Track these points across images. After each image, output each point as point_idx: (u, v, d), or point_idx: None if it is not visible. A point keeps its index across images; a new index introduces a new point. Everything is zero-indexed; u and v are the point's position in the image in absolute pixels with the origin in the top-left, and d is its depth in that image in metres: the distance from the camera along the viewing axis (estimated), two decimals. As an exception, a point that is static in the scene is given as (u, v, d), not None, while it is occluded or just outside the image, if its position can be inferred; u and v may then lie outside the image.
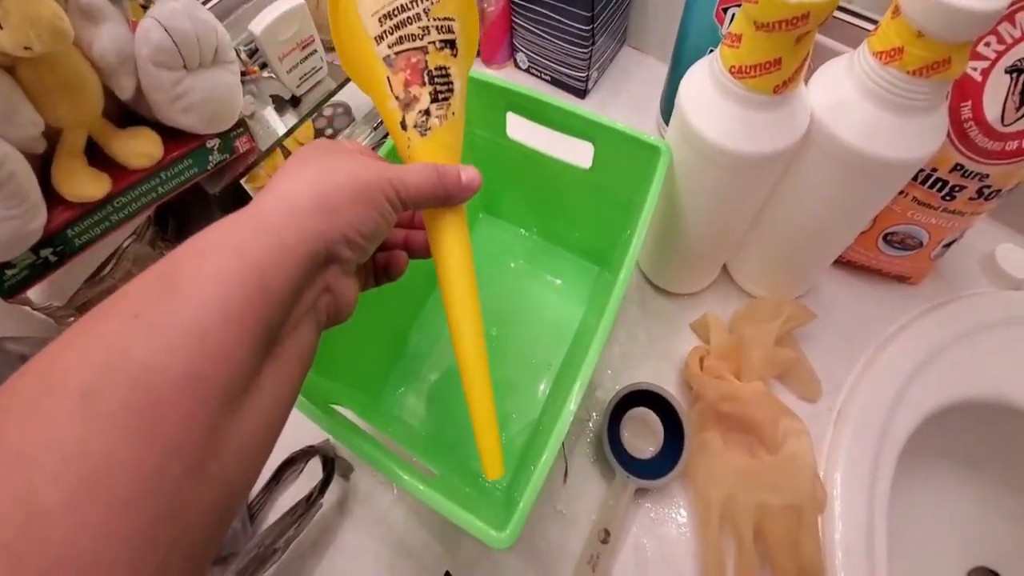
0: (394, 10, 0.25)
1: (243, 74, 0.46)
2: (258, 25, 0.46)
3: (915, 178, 0.39)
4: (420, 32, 0.25)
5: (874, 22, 0.42)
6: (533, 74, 0.64)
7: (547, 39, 0.58)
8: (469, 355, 0.26)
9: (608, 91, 0.62)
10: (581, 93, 0.61)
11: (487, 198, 0.52)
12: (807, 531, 0.36)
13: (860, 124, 0.31)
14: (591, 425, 0.43)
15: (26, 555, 0.13)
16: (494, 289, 0.49)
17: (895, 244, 0.44)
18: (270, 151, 0.49)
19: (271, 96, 0.51)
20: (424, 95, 0.26)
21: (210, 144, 0.43)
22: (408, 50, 0.25)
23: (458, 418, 0.43)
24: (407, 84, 0.26)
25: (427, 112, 0.26)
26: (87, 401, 0.14)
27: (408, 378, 0.46)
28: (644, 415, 0.43)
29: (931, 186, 0.39)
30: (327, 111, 0.57)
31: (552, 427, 0.27)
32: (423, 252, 0.28)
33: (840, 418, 0.41)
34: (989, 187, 0.37)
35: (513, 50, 0.63)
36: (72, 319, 0.43)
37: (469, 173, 0.26)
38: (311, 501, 0.38)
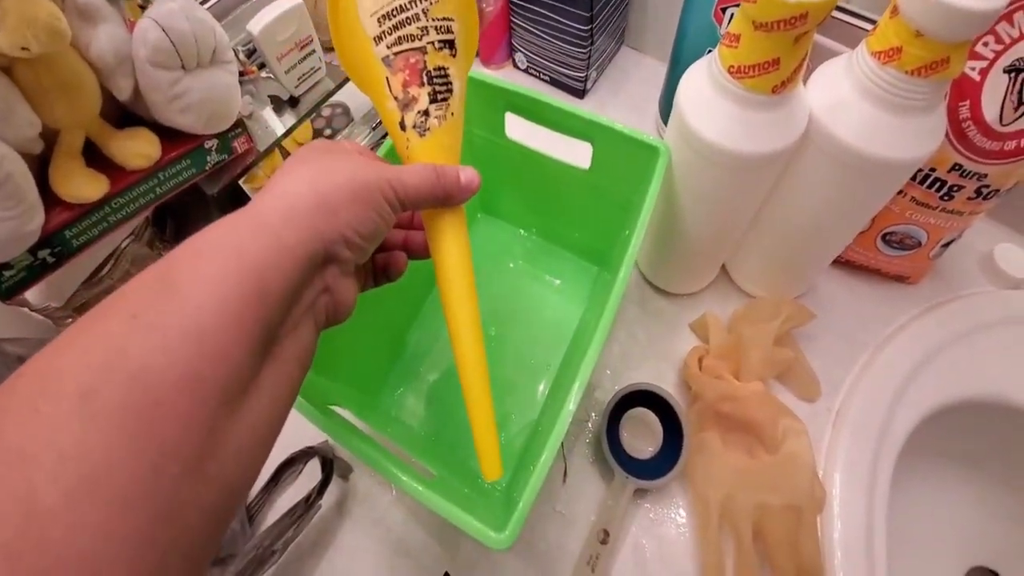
0: (393, 10, 0.25)
1: (241, 74, 0.46)
2: (256, 25, 0.46)
3: (914, 178, 0.39)
4: (419, 32, 0.25)
5: (873, 22, 0.42)
6: (532, 74, 0.64)
7: (546, 39, 0.58)
8: (468, 356, 0.26)
9: (607, 91, 0.62)
10: (580, 93, 0.61)
11: (486, 198, 0.52)
12: (806, 531, 0.36)
13: (858, 124, 0.31)
14: (590, 425, 0.43)
15: (25, 554, 0.13)
16: (493, 289, 0.49)
17: (894, 244, 0.44)
18: (268, 151, 0.49)
19: (269, 96, 0.51)
20: (423, 95, 0.26)
21: (208, 145, 0.43)
22: (407, 50, 0.25)
23: (457, 418, 0.43)
24: (406, 84, 0.26)
25: (426, 113, 0.26)
26: (85, 401, 0.14)
27: (407, 378, 0.46)
28: (643, 415, 0.43)
29: (930, 186, 0.39)
30: (325, 111, 0.57)
31: (551, 427, 0.27)
32: (422, 252, 0.28)
33: (839, 418, 0.41)
34: (987, 187, 0.38)
35: (512, 50, 0.63)
36: (70, 320, 0.43)
37: (468, 174, 0.26)
38: (310, 502, 0.38)
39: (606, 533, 0.37)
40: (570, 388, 0.28)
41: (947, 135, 0.35)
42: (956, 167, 0.37)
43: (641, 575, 0.37)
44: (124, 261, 0.44)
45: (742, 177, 0.35)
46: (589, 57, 0.57)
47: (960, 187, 0.38)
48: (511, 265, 0.51)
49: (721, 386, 0.40)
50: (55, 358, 0.16)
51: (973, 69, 0.33)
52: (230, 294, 0.17)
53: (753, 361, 0.40)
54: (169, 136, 0.41)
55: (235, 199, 0.48)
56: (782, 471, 0.37)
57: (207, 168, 0.44)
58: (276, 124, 0.50)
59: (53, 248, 0.38)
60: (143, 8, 0.39)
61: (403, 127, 0.26)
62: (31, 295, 0.40)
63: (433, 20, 0.26)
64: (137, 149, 0.40)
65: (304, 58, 0.50)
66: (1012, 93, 0.33)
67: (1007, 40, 0.32)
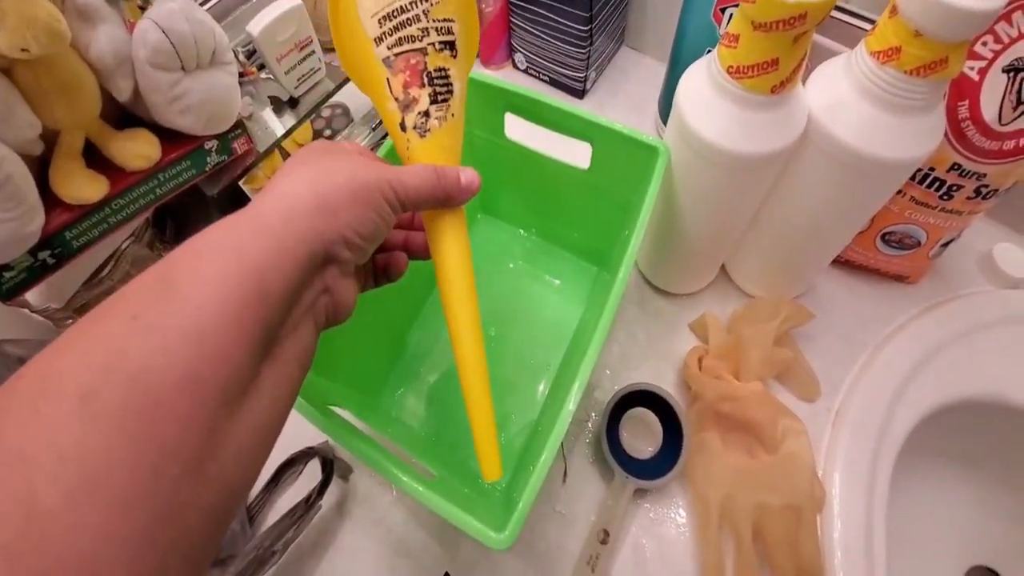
0: (394, 11, 0.25)
1: (241, 75, 0.46)
2: (256, 26, 0.46)
3: (913, 177, 0.39)
4: (419, 33, 0.25)
5: (872, 22, 0.42)
6: (531, 74, 0.64)
7: (545, 39, 0.58)
8: (468, 357, 0.26)
9: (606, 91, 0.62)
10: (579, 93, 0.61)
11: (486, 198, 0.52)
12: (806, 531, 0.36)
13: (858, 124, 0.31)
14: (590, 425, 0.43)
15: (26, 554, 0.13)
16: (493, 289, 0.49)
17: (893, 243, 0.44)
18: (268, 152, 0.49)
19: (269, 97, 0.51)
20: (423, 96, 0.26)
21: (208, 146, 0.43)
22: (407, 51, 0.25)
23: (457, 419, 0.43)
24: (406, 85, 0.26)
25: (426, 114, 0.26)
26: (85, 402, 0.14)
27: (407, 379, 0.46)
28: (643, 415, 0.43)
29: (929, 185, 0.39)
30: (325, 112, 0.57)
31: (551, 427, 0.27)
32: (423, 253, 0.28)
33: (839, 418, 0.41)
34: (987, 186, 0.38)
35: (511, 50, 0.63)
36: (70, 321, 0.43)
37: (468, 175, 0.26)
38: (310, 503, 0.38)
39: (606, 533, 0.37)
40: (570, 388, 0.28)
41: (946, 135, 0.35)
42: (955, 167, 0.37)
43: (641, 575, 0.38)
44: (124, 262, 0.44)
45: (741, 177, 0.35)
46: (588, 57, 0.57)
47: (959, 187, 0.38)
48: (511, 265, 0.51)
49: (721, 386, 0.40)
50: (55, 359, 0.16)
51: (972, 69, 0.33)
52: (230, 295, 0.17)
53: (752, 361, 0.40)
54: (169, 137, 0.41)
55: (235, 200, 0.48)
56: (782, 471, 0.37)
57: (207, 169, 0.44)
58: (276, 125, 0.50)
59: (53, 249, 0.38)
60: (143, 9, 0.39)
61: (403, 128, 0.26)
62: (31, 296, 0.40)
63: (434, 21, 0.26)
64: (137, 150, 0.40)
65: (304, 59, 0.50)
66: (1011, 93, 0.33)
67: (1006, 40, 0.32)
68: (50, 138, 0.37)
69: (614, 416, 0.41)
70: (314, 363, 0.22)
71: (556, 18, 0.55)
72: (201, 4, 0.50)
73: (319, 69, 0.52)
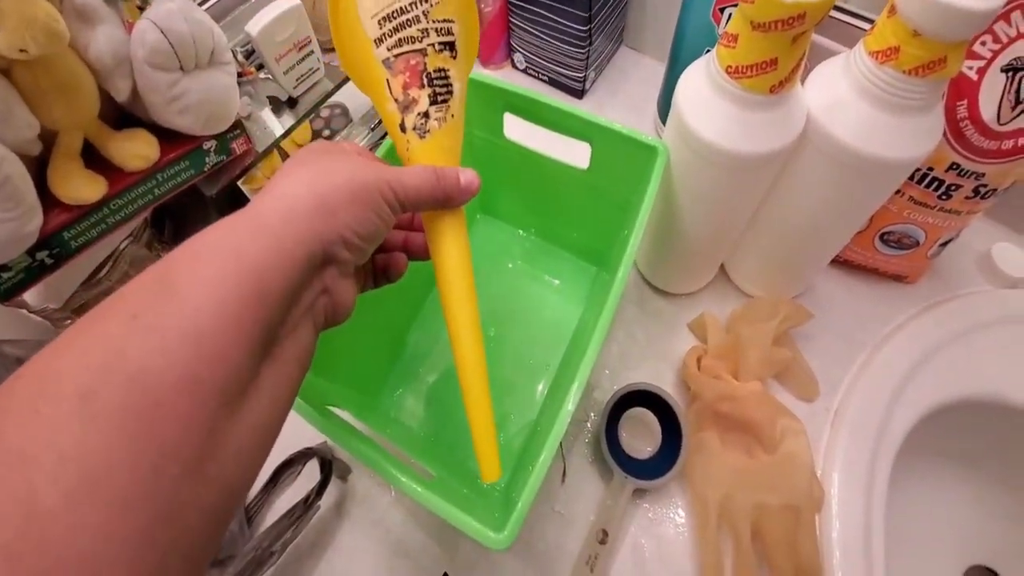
0: (393, 12, 0.25)
1: (240, 75, 0.46)
2: (255, 26, 0.46)
3: (911, 177, 0.39)
4: (419, 34, 0.25)
5: (870, 21, 0.42)
6: (531, 74, 0.64)
7: (544, 39, 0.58)
8: (467, 357, 0.26)
9: (605, 91, 0.62)
10: (579, 93, 0.61)
11: (485, 198, 0.52)
12: (805, 531, 0.36)
13: (856, 124, 0.31)
14: (589, 425, 0.43)
15: (26, 554, 0.13)
16: (492, 289, 0.49)
17: (892, 243, 0.44)
18: (267, 152, 0.49)
19: (268, 97, 0.51)
20: (423, 97, 0.26)
21: (206, 146, 0.43)
22: (407, 52, 0.25)
23: (456, 419, 0.43)
24: (406, 86, 0.26)
25: (426, 114, 0.26)
26: (84, 403, 0.14)
27: (406, 379, 0.46)
28: (642, 415, 0.43)
29: (927, 185, 0.39)
30: (324, 112, 0.57)
31: (550, 428, 0.27)
32: (422, 254, 0.28)
33: (837, 417, 0.41)
34: (985, 186, 0.38)
35: (511, 50, 0.63)
36: (69, 322, 0.43)
37: (468, 176, 0.26)
38: (308, 503, 0.38)
39: (605, 533, 0.37)
40: (569, 388, 0.28)
41: (945, 134, 0.35)
42: (954, 166, 0.37)
43: (640, 575, 0.38)
44: (123, 262, 0.44)
45: (740, 177, 0.35)
46: (587, 57, 0.57)
47: (958, 186, 0.38)
48: (510, 265, 0.51)
49: (720, 386, 0.40)
50: (54, 360, 0.16)
51: (971, 68, 0.33)
52: (229, 296, 0.17)
53: (751, 361, 0.40)
54: (167, 137, 0.41)
55: (234, 200, 0.48)
56: (780, 471, 0.37)
57: (205, 169, 0.44)
58: (275, 125, 0.50)
59: (51, 249, 0.38)
60: (141, 9, 0.39)
61: (403, 129, 0.26)
62: (29, 297, 0.40)
63: (433, 22, 0.26)
64: (135, 150, 0.40)
65: (302, 59, 0.50)
66: (1009, 92, 0.33)
67: (1004, 39, 0.32)
68: (48, 138, 0.37)
69: (613, 416, 0.41)
70: (313, 363, 0.22)
71: (555, 18, 0.55)
72: (200, 4, 0.50)
73: (318, 69, 0.52)
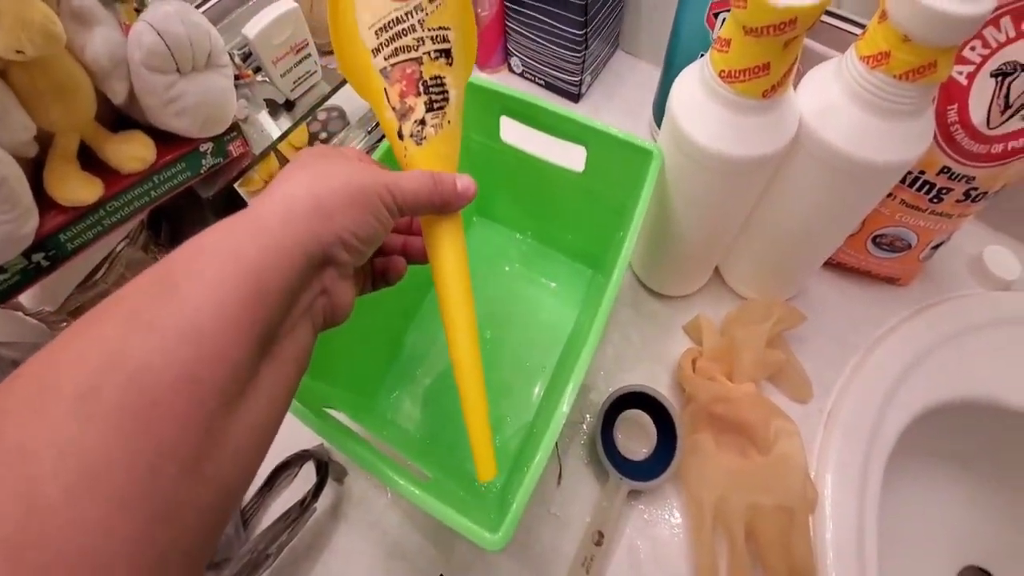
0: (390, 23, 0.26)
1: (237, 78, 0.46)
2: (252, 29, 0.46)
3: (903, 181, 0.39)
4: (415, 43, 0.26)
5: (862, 27, 0.42)
6: (527, 78, 0.64)
7: (541, 43, 0.58)
8: (464, 360, 0.26)
9: (601, 95, 0.63)
10: (575, 97, 0.62)
11: (481, 202, 0.52)
12: (798, 531, 0.36)
13: (848, 128, 0.31)
14: (585, 428, 0.43)
15: (27, 548, 0.13)
16: (489, 292, 0.49)
17: (884, 246, 0.44)
18: (264, 155, 0.49)
19: (265, 100, 0.51)
20: (419, 105, 0.26)
21: (203, 148, 0.43)
22: (403, 61, 0.26)
23: (453, 421, 0.43)
24: (403, 95, 0.26)
25: (422, 122, 0.26)
26: (83, 402, 0.15)
27: (403, 381, 0.46)
28: (637, 417, 0.43)
29: (919, 189, 0.39)
30: (321, 115, 0.58)
31: (545, 429, 0.27)
32: (421, 258, 0.29)
33: (831, 419, 0.42)
34: (976, 189, 0.38)
35: (507, 54, 0.64)
36: (65, 324, 0.43)
37: (464, 181, 0.26)
38: (304, 506, 0.38)
39: (600, 534, 0.37)
40: (564, 390, 0.28)
41: (936, 138, 0.36)
42: (945, 170, 0.37)
43: (635, 576, 0.38)
44: (119, 265, 0.44)
45: (733, 181, 0.35)
46: (583, 61, 0.57)
47: (949, 190, 0.38)
48: (507, 268, 0.51)
49: (714, 388, 0.40)
50: (52, 359, 0.16)
51: (961, 73, 0.34)
52: (228, 296, 0.17)
53: (745, 363, 0.40)
54: (164, 139, 0.41)
55: (230, 202, 0.48)
56: (774, 472, 0.38)
57: (202, 171, 0.44)
58: (272, 127, 0.50)
59: (47, 252, 0.38)
60: (139, 12, 0.39)
61: (401, 136, 0.26)
62: (25, 299, 0.40)
63: (429, 30, 0.26)
64: (132, 152, 0.40)
65: (300, 62, 0.50)
66: (999, 97, 0.33)
67: (994, 44, 0.32)
68: (45, 140, 0.37)
69: (608, 418, 0.42)
70: (309, 365, 0.22)
71: (551, 22, 0.55)
72: (197, 7, 0.50)
73: (315, 72, 0.52)
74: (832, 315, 0.46)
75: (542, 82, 0.63)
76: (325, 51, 0.54)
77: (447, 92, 0.27)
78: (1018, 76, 0.32)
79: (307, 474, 0.40)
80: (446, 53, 0.27)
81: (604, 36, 0.59)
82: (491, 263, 0.51)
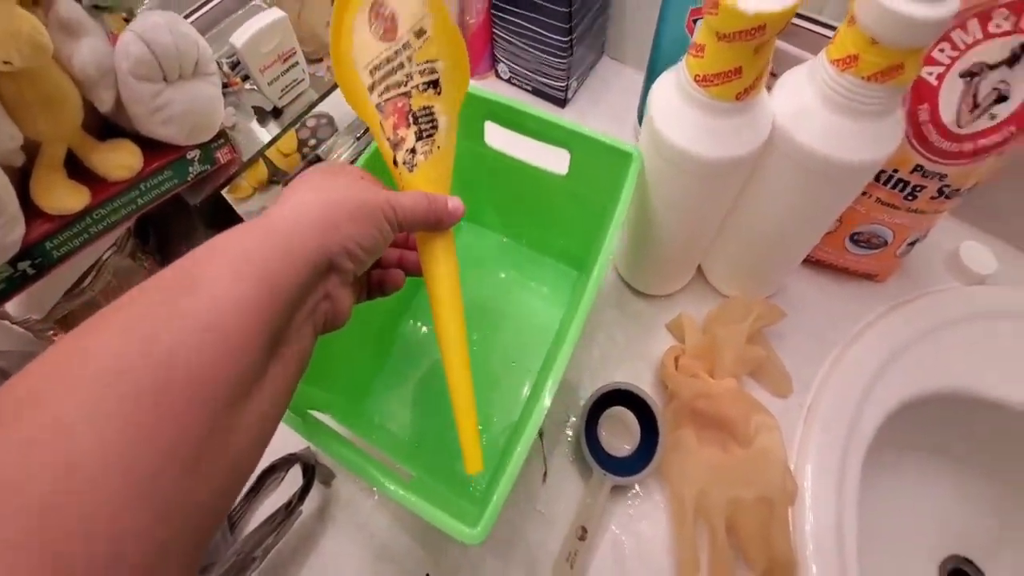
0: (381, 62, 0.28)
1: (225, 86, 0.47)
2: (240, 38, 0.46)
3: (878, 179, 0.40)
4: (404, 79, 0.28)
5: (836, 30, 0.43)
6: (515, 84, 0.65)
7: (527, 50, 0.59)
8: (454, 360, 0.28)
9: (587, 100, 0.63)
10: (561, 103, 0.62)
11: (468, 206, 0.52)
12: (778, 524, 0.37)
13: (820, 129, 0.32)
14: (570, 427, 0.44)
15: (63, 506, 0.14)
16: (476, 295, 0.50)
17: (861, 243, 0.45)
18: (252, 162, 0.50)
19: (253, 107, 0.52)
20: (410, 135, 0.28)
21: (190, 155, 0.44)
22: (394, 97, 0.28)
23: (439, 424, 0.44)
24: (395, 127, 0.28)
25: (413, 150, 0.28)
26: (113, 383, 0.15)
27: (390, 385, 0.46)
28: (621, 414, 0.44)
29: (894, 187, 0.40)
30: (310, 122, 0.58)
31: (527, 422, 0.28)
32: (415, 270, 0.31)
33: (810, 413, 0.42)
34: (949, 186, 0.39)
35: (495, 61, 0.65)
36: (51, 332, 0.43)
37: (454, 202, 0.29)
38: (290, 508, 0.38)
39: (584, 530, 0.38)
40: (545, 384, 0.29)
41: (908, 138, 0.37)
42: (918, 168, 0.38)
43: (619, 571, 0.38)
44: (106, 272, 0.44)
45: (710, 183, 0.36)
46: (569, 67, 0.58)
47: (922, 187, 0.39)
48: (494, 271, 0.52)
49: (696, 384, 0.41)
50: (82, 340, 0.17)
51: (931, 74, 0.35)
52: (244, 294, 0.18)
53: (727, 360, 0.41)
54: (151, 147, 0.41)
55: (218, 209, 0.48)
56: (755, 465, 0.38)
57: (189, 179, 0.45)
58: (260, 135, 0.51)
59: (34, 260, 0.38)
60: (127, 21, 0.39)
61: (396, 163, 0.29)
62: (11, 307, 0.40)
63: (417, 65, 0.28)
64: (119, 160, 0.40)
65: (287, 70, 0.51)
66: (967, 97, 0.34)
67: (962, 46, 0.33)
68: (31, 149, 0.37)
69: (593, 415, 0.42)
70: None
71: (537, 29, 0.56)
72: (186, 17, 0.50)
73: (303, 80, 0.53)
74: (811, 311, 0.47)
75: (529, 88, 0.64)
76: (313, 59, 0.54)
77: (435, 120, 0.29)
78: (985, 77, 0.33)
79: (294, 478, 0.40)
80: (434, 84, 0.29)
81: (589, 43, 0.60)
82: (478, 266, 0.52)
